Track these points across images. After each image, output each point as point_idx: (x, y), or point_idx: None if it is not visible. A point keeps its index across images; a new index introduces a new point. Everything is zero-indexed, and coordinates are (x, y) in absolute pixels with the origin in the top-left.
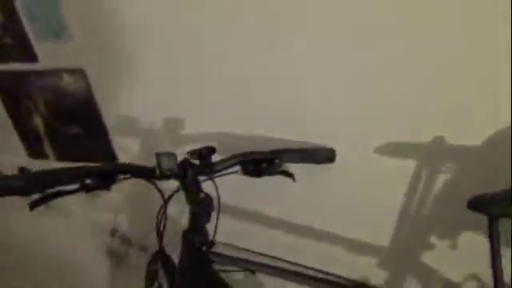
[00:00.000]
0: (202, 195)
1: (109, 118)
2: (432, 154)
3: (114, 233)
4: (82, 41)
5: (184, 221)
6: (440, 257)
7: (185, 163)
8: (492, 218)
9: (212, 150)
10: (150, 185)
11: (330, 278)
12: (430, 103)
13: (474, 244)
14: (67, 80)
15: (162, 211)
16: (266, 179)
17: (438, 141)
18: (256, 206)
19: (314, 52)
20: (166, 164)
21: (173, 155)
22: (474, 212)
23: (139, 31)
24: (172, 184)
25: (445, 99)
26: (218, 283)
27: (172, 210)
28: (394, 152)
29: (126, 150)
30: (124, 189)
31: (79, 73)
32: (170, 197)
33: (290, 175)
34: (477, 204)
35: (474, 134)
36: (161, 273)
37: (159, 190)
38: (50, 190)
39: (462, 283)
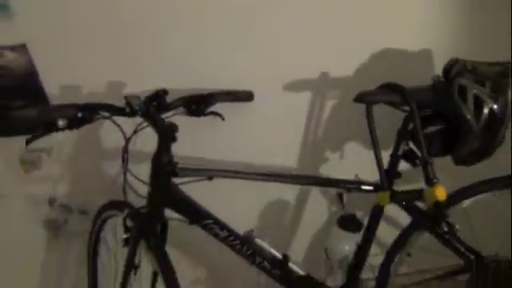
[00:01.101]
0: (167, 122)
1: (51, 90)
2: (321, 86)
3: (52, 202)
4: (22, 16)
5: None
6: (333, 167)
7: (147, 102)
8: (368, 105)
9: (165, 92)
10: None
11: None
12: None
13: (359, 152)
14: (9, 56)
15: (124, 151)
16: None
17: (325, 76)
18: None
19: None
20: (135, 103)
21: (138, 97)
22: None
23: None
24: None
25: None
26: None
27: None
28: (292, 87)
29: None
30: (61, 158)
31: (21, 48)
32: (131, 136)
33: (219, 115)
34: (359, 97)
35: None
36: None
37: (121, 130)
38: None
39: None
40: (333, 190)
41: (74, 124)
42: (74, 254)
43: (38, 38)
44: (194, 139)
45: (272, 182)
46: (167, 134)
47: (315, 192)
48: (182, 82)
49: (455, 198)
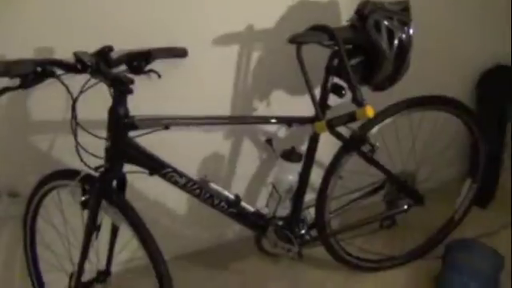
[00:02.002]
0: (121, 74)
1: None
2: (246, 38)
3: None
4: None
5: None
6: (262, 113)
7: (96, 58)
8: (299, 46)
9: (110, 49)
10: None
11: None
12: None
13: (284, 100)
14: None
15: (72, 111)
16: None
17: (250, 28)
18: None
19: None
20: (86, 58)
21: (86, 53)
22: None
23: None
24: None
25: None
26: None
27: None
28: (222, 41)
29: None
30: None
31: None
32: (78, 95)
33: (156, 72)
34: (292, 39)
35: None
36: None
37: (67, 88)
38: None
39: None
40: (262, 138)
41: (27, 82)
42: (5, 243)
43: None
44: (133, 97)
45: (221, 124)
46: (123, 86)
47: (246, 143)
48: (113, 41)
49: (377, 118)
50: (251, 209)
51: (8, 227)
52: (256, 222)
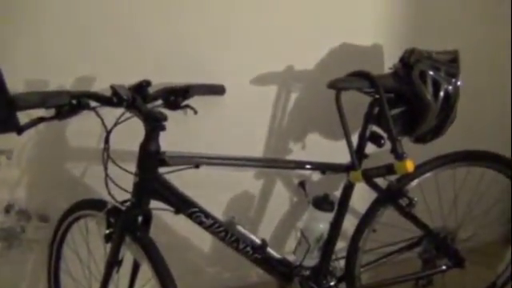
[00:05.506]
0: (155, 111)
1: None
2: (286, 79)
3: (8, 209)
4: None
5: None
6: (296, 156)
7: (132, 92)
8: (338, 92)
9: (148, 84)
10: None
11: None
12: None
13: (320, 143)
14: None
15: (106, 143)
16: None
17: (290, 69)
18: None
19: None
20: (123, 92)
21: (123, 86)
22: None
23: None
24: None
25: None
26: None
27: None
28: (260, 81)
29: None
30: (21, 162)
31: None
32: (112, 128)
33: (192, 108)
34: (332, 84)
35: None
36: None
37: (102, 120)
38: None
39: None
40: (295, 181)
41: (62, 113)
42: (30, 267)
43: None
44: (167, 132)
45: (254, 167)
46: (157, 123)
47: (278, 184)
48: (151, 75)
49: (417, 172)
50: (277, 256)
51: (35, 251)
52: (281, 270)
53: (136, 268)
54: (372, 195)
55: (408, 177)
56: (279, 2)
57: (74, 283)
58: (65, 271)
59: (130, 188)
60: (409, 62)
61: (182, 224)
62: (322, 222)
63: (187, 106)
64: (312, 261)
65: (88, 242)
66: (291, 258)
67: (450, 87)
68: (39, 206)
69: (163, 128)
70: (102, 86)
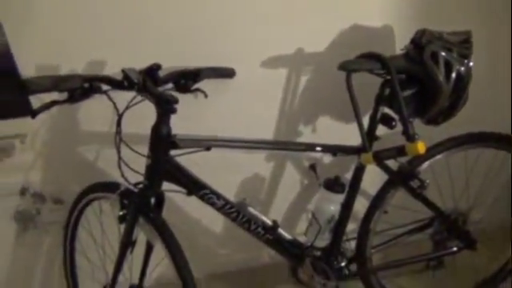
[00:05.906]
0: (166, 93)
1: (26, 70)
2: (296, 61)
3: (24, 192)
4: None
5: None
6: (307, 139)
7: (143, 75)
8: (349, 74)
9: (158, 67)
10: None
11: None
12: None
13: (330, 126)
14: None
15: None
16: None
17: (300, 51)
18: None
19: None
20: (134, 76)
21: (134, 70)
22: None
23: None
24: None
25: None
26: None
27: None
28: (271, 64)
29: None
30: (35, 145)
31: None
32: (123, 111)
33: (203, 92)
34: (343, 65)
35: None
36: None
37: (114, 104)
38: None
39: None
40: (306, 163)
41: (74, 97)
42: (45, 248)
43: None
44: (178, 115)
45: (264, 149)
46: (168, 106)
47: (289, 167)
48: (162, 59)
49: (428, 153)
50: (288, 236)
51: (50, 233)
52: (292, 251)
53: (149, 249)
54: (383, 177)
55: (419, 158)
56: None
57: (88, 264)
58: (80, 252)
59: (143, 170)
60: (420, 42)
61: (193, 206)
62: (332, 204)
63: (198, 90)
64: (323, 242)
65: (102, 224)
66: (302, 239)
67: (463, 68)
68: (54, 188)
69: (174, 111)
70: (113, 71)
